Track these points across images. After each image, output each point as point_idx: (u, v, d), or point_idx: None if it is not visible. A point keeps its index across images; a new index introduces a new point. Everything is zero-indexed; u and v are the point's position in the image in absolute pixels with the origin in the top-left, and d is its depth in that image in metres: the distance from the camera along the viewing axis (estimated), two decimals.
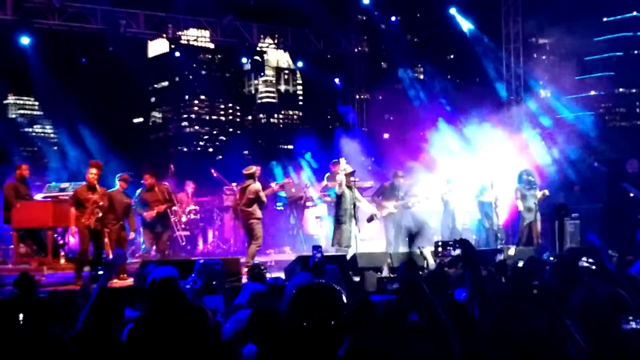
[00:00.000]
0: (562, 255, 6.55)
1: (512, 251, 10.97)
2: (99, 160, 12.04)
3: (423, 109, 22.89)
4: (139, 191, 12.81)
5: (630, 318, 3.48)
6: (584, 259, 4.45)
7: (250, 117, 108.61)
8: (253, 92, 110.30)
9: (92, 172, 11.00)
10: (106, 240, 11.27)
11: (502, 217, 14.65)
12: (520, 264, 8.08)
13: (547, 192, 14.07)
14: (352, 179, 12.54)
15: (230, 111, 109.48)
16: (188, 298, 5.22)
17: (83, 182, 11.58)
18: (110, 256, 11.16)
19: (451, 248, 6.76)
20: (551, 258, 10.12)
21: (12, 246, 12.92)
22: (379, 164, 20.02)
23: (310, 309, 3.11)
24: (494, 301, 4.19)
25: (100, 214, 10.92)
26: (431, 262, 9.67)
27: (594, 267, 4.39)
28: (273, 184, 15.35)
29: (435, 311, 3.62)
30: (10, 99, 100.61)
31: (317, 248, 7.51)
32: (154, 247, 12.76)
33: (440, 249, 7.14)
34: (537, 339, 3.47)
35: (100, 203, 10.90)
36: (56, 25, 17.98)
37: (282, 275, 9.74)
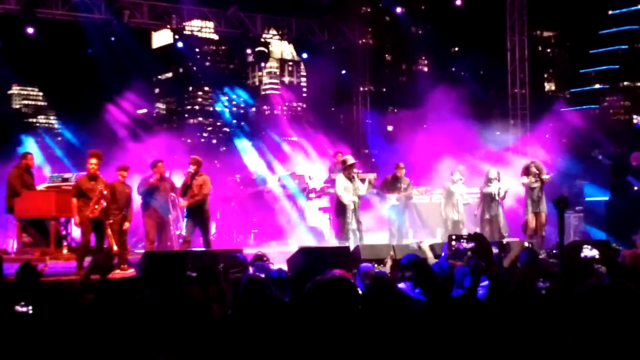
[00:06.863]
0: (566, 249, 6.53)
1: (514, 244, 10.90)
2: (98, 150, 11.81)
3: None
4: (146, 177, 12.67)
5: None
6: (588, 247, 4.43)
7: (254, 109, 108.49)
8: (257, 83, 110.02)
9: (92, 162, 10.92)
10: (109, 231, 11.21)
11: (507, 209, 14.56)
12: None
13: (549, 176, 13.86)
14: (355, 171, 12.50)
15: (234, 102, 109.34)
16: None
17: (85, 172, 11.51)
18: (115, 248, 11.13)
19: (464, 241, 6.77)
20: (554, 251, 10.08)
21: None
22: (382, 156, 19.96)
23: (325, 302, 3.08)
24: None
25: (105, 204, 10.90)
26: (430, 256, 9.54)
27: (597, 257, 4.37)
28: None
29: (446, 296, 3.64)
30: (15, 89, 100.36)
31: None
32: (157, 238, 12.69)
33: (454, 242, 7.16)
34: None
35: (105, 192, 10.88)
36: (60, 15, 17.91)
37: (284, 266, 9.71)
